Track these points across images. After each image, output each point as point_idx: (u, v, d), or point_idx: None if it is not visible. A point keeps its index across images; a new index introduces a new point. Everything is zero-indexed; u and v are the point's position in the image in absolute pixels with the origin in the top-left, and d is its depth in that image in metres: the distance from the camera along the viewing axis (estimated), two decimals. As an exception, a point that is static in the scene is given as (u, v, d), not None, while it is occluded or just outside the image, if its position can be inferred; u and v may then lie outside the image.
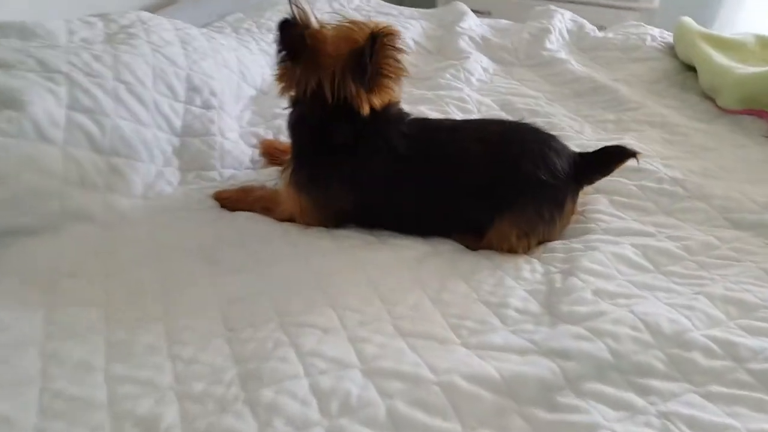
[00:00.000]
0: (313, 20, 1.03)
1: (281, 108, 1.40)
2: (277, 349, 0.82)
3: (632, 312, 0.85)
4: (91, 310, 0.89)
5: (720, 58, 1.50)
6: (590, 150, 1.22)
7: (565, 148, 1.04)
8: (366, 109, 1.00)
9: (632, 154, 1.03)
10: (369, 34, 0.97)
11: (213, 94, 1.32)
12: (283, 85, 1.06)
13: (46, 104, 1.08)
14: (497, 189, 1.02)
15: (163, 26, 1.39)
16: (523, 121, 1.09)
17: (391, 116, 1.06)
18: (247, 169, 1.27)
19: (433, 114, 1.40)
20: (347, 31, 1.02)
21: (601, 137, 1.34)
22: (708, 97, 1.51)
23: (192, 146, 1.24)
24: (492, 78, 1.64)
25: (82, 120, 1.11)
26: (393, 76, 1.03)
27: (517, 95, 1.53)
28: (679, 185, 1.16)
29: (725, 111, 1.44)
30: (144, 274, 0.98)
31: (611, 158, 1.05)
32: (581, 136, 1.34)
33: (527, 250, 1.04)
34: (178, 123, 1.25)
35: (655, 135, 1.35)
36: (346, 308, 0.90)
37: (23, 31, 1.23)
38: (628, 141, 1.29)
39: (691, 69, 1.62)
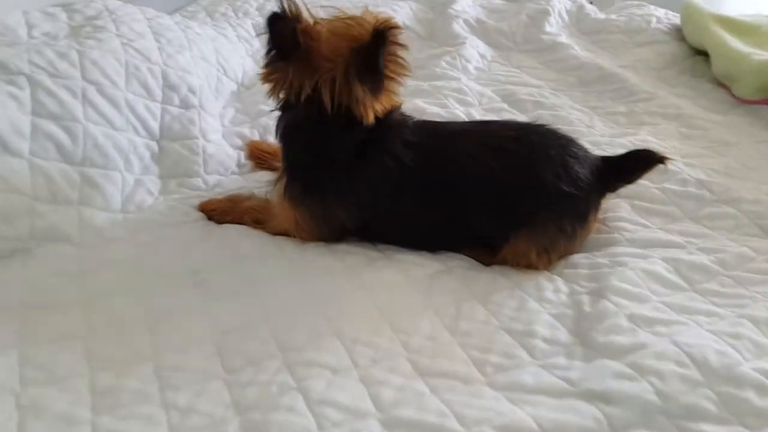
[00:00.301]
0: (305, 13, 0.91)
1: (266, 105, 1.30)
2: (284, 396, 0.73)
3: (675, 343, 0.77)
4: (71, 348, 0.80)
5: (735, 43, 1.41)
6: (604, 149, 1.15)
7: (587, 153, 0.95)
8: (370, 117, 0.90)
9: (660, 159, 0.94)
10: (372, 30, 0.86)
11: (192, 91, 1.20)
12: (271, 86, 0.94)
13: (8, 112, 0.96)
14: (514, 202, 0.93)
15: (133, 16, 1.26)
16: (539, 123, 0.99)
17: (393, 122, 0.95)
18: (234, 175, 1.17)
19: (432, 108, 1.30)
20: (344, 26, 0.91)
21: (614, 132, 1.25)
22: (721, 84, 1.43)
23: (172, 151, 1.13)
24: (490, 65, 1.54)
25: (50, 127, 1.00)
26: (397, 77, 0.92)
27: (518, 84, 1.43)
28: (705, 188, 1.08)
29: (741, 101, 1.36)
30: (127, 303, 0.88)
31: (638, 164, 0.96)
32: (593, 131, 1.25)
33: (547, 267, 0.95)
34: (155, 125, 1.13)
35: (671, 129, 1.26)
36: (356, 341, 0.81)
37: (-23, 27, 1.10)
38: (646, 137, 1.21)
39: (700, 53, 1.53)
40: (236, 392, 0.74)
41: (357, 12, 0.94)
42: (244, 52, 1.48)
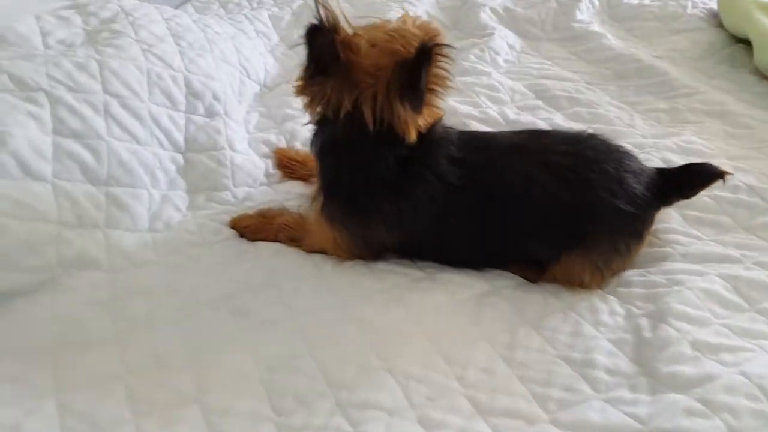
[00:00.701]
0: (343, 24, 0.86)
1: (291, 109, 1.25)
2: (341, 444, 0.70)
3: (744, 374, 0.74)
4: (111, 391, 0.76)
5: (780, 32, 1.35)
6: (650, 152, 1.10)
7: (642, 167, 0.91)
8: (413, 135, 0.85)
9: (720, 175, 0.89)
10: (419, 46, 0.81)
11: (216, 98, 1.14)
12: (308, 100, 0.89)
13: (29, 132, 0.91)
14: (568, 221, 0.88)
15: (151, 17, 1.19)
16: (590, 133, 0.94)
17: (436, 137, 0.90)
18: (263, 186, 1.12)
19: (464, 108, 1.24)
20: (386, 39, 0.85)
21: (657, 132, 1.20)
22: (765, 77, 1.36)
23: (199, 163, 1.09)
24: (519, 57, 1.47)
25: (72, 147, 0.95)
26: (441, 91, 0.87)
27: (551, 78, 1.37)
28: (758, 195, 1.03)
29: (784, 93, 1.31)
30: (164, 335, 0.84)
31: (695, 179, 0.91)
32: (634, 132, 1.20)
33: (600, 286, 0.91)
34: (180, 137, 1.08)
35: (715, 128, 1.21)
36: (409, 376, 0.78)
37: (-9, 38, 1.04)
38: (691, 138, 1.16)
39: (739, 41, 1.47)
40: (290, 438, 0.71)
41: (395, 17, 0.88)
42: (264, 48, 1.41)
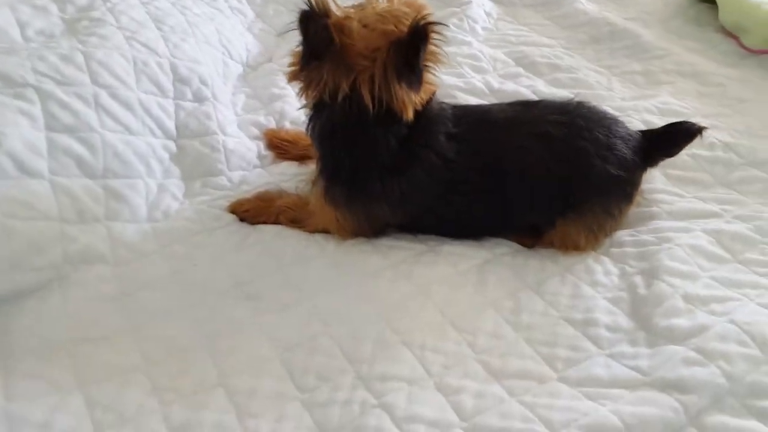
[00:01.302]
0: (333, 7, 0.86)
1: (277, 88, 1.25)
2: (368, 416, 0.73)
3: (733, 322, 0.80)
4: (134, 382, 0.78)
5: (743, -8, 1.39)
6: (630, 114, 1.14)
7: (630, 132, 0.95)
8: (410, 114, 0.87)
9: (699, 131, 0.94)
10: (412, 26, 0.82)
11: (203, 82, 1.14)
12: (303, 86, 0.90)
13: (22, 130, 0.90)
14: (563, 189, 0.92)
15: (129, 2, 1.17)
16: (579, 102, 0.97)
17: (432, 114, 0.92)
18: (257, 168, 1.12)
19: (449, 80, 1.26)
20: (377, 19, 0.86)
21: (635, 94, 1.25)
22: (729, 34, 1.42)
23: (192, 150, 1.08)
24: (497, 24, 1.49)
25: (66, 141, 0.94)
26: (434, 67, 0.89)
27: (530, 44, 1.40)
28: (732, 150, 1.09)
29: (751, 50, 1.36)
30: (179, 325, 0.85)
31: (678, 138, 0.96)
32: (613, 95, 1.24)
33: (594, 248, 0.96)
34: (171, 124, 1.08)
35: (688, 87, 1.26)
36: (424, 347, 0.81)
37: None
38: (668, 99, 1.21)
39: (703, 1, 1.51)
40: (318, 415, 0.74)
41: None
42: (242, 26, 1.40)
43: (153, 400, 0.76)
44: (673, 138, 0.96)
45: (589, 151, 0.90)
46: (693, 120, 1.13)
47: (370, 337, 0.83)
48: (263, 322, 0.86)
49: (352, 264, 0.94)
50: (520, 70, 1.31)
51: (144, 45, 1.09)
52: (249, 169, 1.12)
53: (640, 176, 0.97)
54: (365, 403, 0.75)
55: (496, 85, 1.26)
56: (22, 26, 1.05)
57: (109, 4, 1.14)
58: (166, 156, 1.06)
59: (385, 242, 0.97)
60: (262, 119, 1.19)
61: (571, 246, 0.95)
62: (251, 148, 1.14)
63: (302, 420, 0.74)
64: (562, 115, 0.94)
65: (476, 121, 0.95)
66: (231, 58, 1.28)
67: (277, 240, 0.98)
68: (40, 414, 0.73)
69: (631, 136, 0.94)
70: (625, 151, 0.92)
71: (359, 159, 0.91)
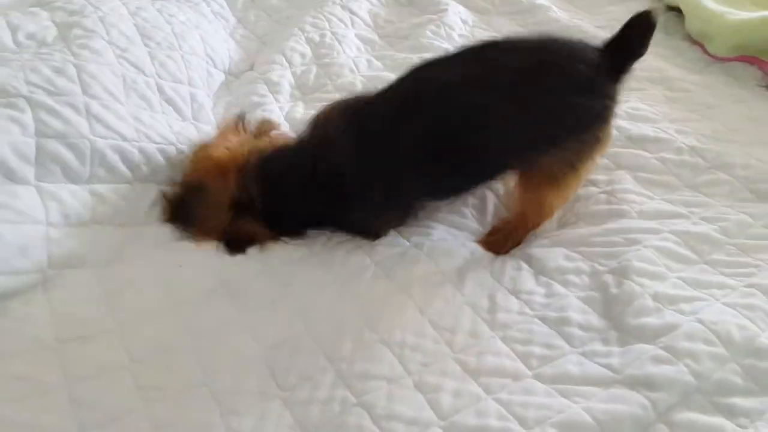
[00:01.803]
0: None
1: (258, 96, 1.26)
2: (348, 415, 0.76)
3: (701, 321, 0.83)
4: (119, 382, 0.79)
5: (708, 2, 1.44)
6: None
7: (594, 51, 0.92)
8: None
9: (650, 15, 0.92)
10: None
11: (186, 102, 1.16)
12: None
13: (12, 137, 0.91)
14: (539, 132, 0.91)
15: (118, 10, 1.19)
16: (537, 36, 0.95)
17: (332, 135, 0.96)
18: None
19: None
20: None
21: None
22: (695, 42, 1.47)
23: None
24: (472, 31, 1.52)
25: (55, 147, 0.94)
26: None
27: (504, 51, 1.43)
28: (698, 155, 1.13)
29: (715, 58, 1.41)
30: (163, 324, 0.87)
31: (638, 33, 0.93)
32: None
33: (578, 187, 1.00)
34: (166, 131, 1.09)
35: (657, 94, 1.30)
36: (403, 346, 0.84)
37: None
38: (638, 105, 1.25)
39: (670, 9, 1.56)
40: (298, 413, 0.76)
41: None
42: (224, 32, 1.41)
43: (137, 399, 0.77)
44: (634, 36, 0.93)
45: (560, 88, 0.89)
46: (661, 125, 1.19)
47: (350, 335, 0.85)
48: (247, 321, 0.87)
49: (338, 263, 0.96)
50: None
51: (132, 64, 1.12)
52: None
53: (614, 90, 0.94)
54: (345, 401, 0.77)
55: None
56: (13, 30, 1.07)
57: (100, 13, 1.15)
58: (161, 161, 1.06)
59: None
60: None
61: (555, 184, 0.96)
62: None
63: (283, 419, 0.76)
64: (523, 56, 0.91)
65: (422, 92, 0.93)
66: (215, 66, 1.30)
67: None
68: (28, 415, 0.74)
69: (596, 54, 0.91)
70: (594, 75, 0.90)
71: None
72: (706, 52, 1.43)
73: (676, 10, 1.54)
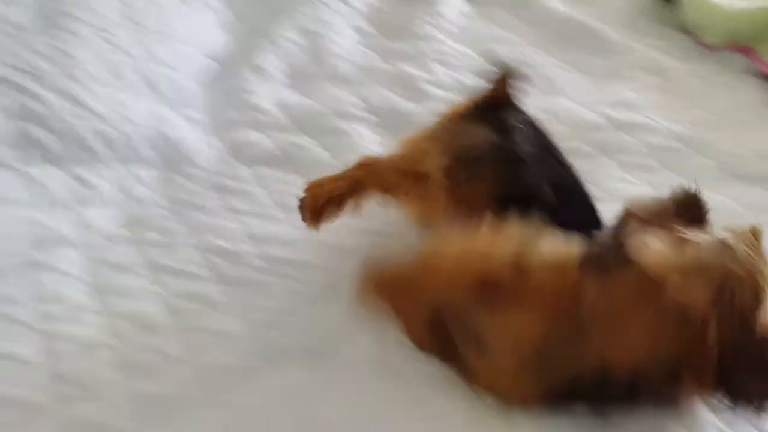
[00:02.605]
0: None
1: (248, 84, 1.25)
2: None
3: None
4: (101, 359, 0.80)
5: (702, -8, 1.45)
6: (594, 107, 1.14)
7: None
8: None
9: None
10: None
11: (174, 90, 1.17)
12: None
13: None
14: None
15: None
16: None
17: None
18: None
19: (417, 73, 1.30)
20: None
21: (597, 88, 1.30)
22: (689, 32, 1.47)
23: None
24: (468, 22, 1.53)
25: (36, 131, 0.96)
26: None
27: (499, 42, 1.44)
28: (687, 141, 1.14)
29: (709, 47, 1.41)
30: (147, 302, 0.88)
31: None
32: (580, 92, 1.28)
33: None
34: (148, 117, 1.10)
35: (650, 83, 1.31)
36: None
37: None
38: (628, 94, 1.25)
39: (667, 0, 1.57)
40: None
41: None
42: (214, 17, 1.41)
43: (119, 375, 0.78)
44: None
45: None
46: (652, 113, 1.20)
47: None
48: (232, 301, 0.88)
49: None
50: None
51: (117, 47, 1.14)
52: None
53: None
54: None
55: (468, 82, 1.27)
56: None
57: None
58: (146, 144, 1.08)
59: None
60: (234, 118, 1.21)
61: None
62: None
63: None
64: None
65: None
66: (203, 53, 1.31)
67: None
68: (12, 393, 0.75)
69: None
70: None
71: None
72: (699, 42, 1.44)
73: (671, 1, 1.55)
